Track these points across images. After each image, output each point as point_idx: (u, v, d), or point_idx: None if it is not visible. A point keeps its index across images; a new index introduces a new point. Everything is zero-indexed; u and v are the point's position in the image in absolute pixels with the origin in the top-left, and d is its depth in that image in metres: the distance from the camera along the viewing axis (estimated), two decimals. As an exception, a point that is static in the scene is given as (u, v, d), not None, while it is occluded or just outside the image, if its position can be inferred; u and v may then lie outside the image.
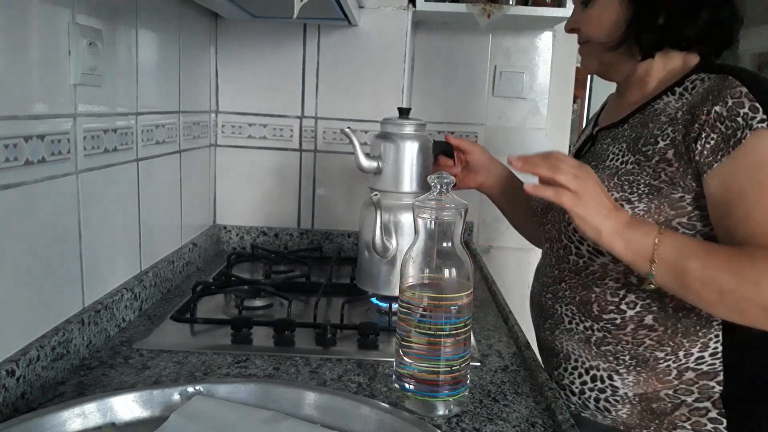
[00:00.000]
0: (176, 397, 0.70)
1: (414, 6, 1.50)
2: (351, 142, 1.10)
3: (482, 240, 1.78)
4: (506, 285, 1.52)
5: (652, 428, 0.87)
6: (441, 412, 0.75)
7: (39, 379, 0.76)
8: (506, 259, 1.78)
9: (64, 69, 0.83)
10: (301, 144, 1.57)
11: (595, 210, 0.77)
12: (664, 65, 0.91)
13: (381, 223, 1.08)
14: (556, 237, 0.97)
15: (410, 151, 1.11)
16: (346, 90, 1.54)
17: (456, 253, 0.76)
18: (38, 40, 0.77)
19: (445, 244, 0.76)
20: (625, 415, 0.89)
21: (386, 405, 0.70)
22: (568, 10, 1.50)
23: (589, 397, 0.91)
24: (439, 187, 0.77)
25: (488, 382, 0.87)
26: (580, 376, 0.92)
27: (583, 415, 0.93)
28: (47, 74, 0.79)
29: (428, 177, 0.79)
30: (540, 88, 1.73)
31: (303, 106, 1.55)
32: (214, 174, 1.57)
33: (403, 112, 1.14)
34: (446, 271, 0.76)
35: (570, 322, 0.93)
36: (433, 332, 0.74)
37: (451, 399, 0.75)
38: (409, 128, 1.12)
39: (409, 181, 1.11)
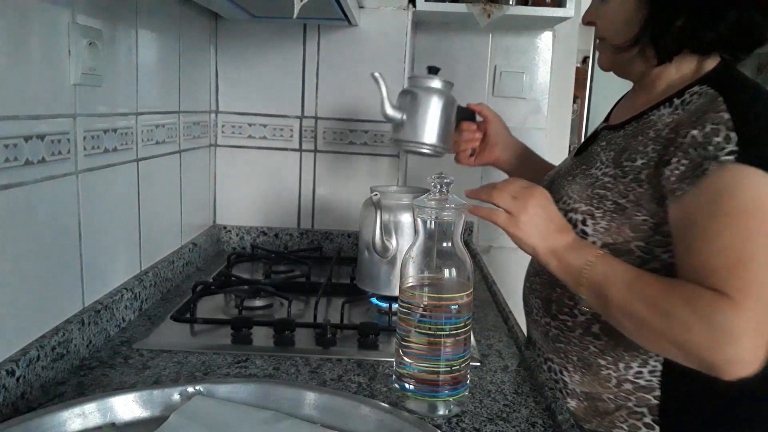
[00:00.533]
0: (176, 397, 0.70)
1: (414, 6, 1.50)
2: (378, 89, 1.10)
3: (482, 240, 1.78)
4: (506, 285, 1.51)
5: (594, 423, 0.90)
6: (441, 412, 0.75)
7: (39, 379, 0.76)
8: (506, 259, 1.78)
9: (64, 69, 0.83)
10: (301, 144, 1.57)
11: (530, 230, 0.82)
12: (678, 69, 0.86)
13: (381, 222, 1.08)
14: None
15: (435, 105, 1.12)
16: (346, 90, 1.54)
17: (456, 253, 0.76)
18: (38, 40, 0.77)
19: (445, 244, 0.76)
20: (572, 408, 0.91)
21: (386, 405, 0.70)
22: (568, 10, 1.50)
23: (547, 383, 0.92)
24: (439, 187, 0.77)
25: (488, 382, 0.87)
26: (540, 364, 0.96)
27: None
28: (47, 74, 0.79)
29: (428, 177, 0.79)
30: (540, 88, 1.73)
31: (303, 106, 1.55)
32: (214, 174, 1.57)
33: (432, 70, 1.15)
34: (446, 271, 0.76)
35: (536, 314, 0.97)
36: (433, 332, 0.74)
37: (451, 399, 0.75)
38: (435, 83, 1.13)
39: (430, 133, 1.12)
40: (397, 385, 0.78)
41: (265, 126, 1.56)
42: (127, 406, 0.68)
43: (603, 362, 0.87)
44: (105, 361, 0.87)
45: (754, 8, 0.79)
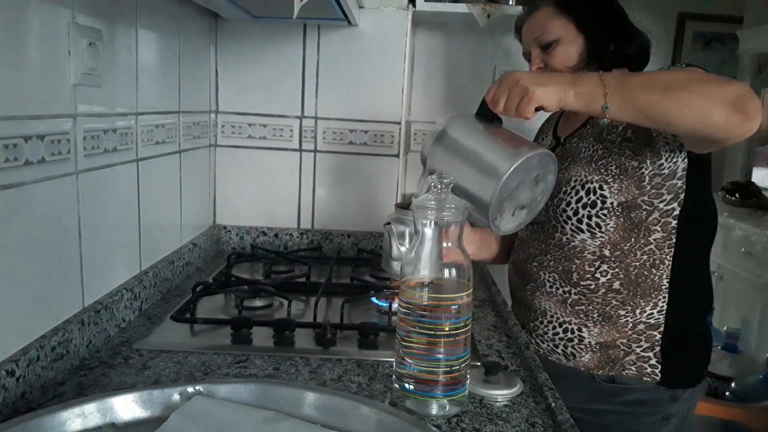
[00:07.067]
0: (176, 397, 0.70)
1: (414, 6, 1.50)
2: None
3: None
4: (506, 285, 1.51)
5: (606, 369, 1.07)
6: (440, 412, 0.75)
7: (39, 379, 0.76)
8: (506, 259, 1.78)
9: (64, 69, 0.83)
10: (301, 144, 1.57)
11: (544, 80, 0.90)
12: None
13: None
14: (546, 219, 1.12)
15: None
16: (346, 90, 1.54)
17: (456, 253, 0.76)
18: (38, 40, 0.77)
19: (445, 244, 0.76)
20: (586, 360, 1.08)
21: (386, 405, 0.70)
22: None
23: (558, 344, 1.10)
24: (439, 187, 0.77)
25: (488, 382, 0.86)
26: (554, 328, 1.11)
27: (549, 358, 1.12)
28: (47, 74, 0.79)
29: (428, 177, 0.78)
30: (540, 88, 1.73)
31: (303, 106, 1.55)
32: (214, 174, 1.57)
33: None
34: (446, 271, 0.76)
35: (551, 287, 1.11)
36: (433, 332, 0.74)
37: (451, 399, 0.75)
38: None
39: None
40: (397, 385, 0.78)
41: (264, 126, 1.56)
42: (127, 406, 0.68)
43: (623, 312, 1.06)
44: (105, 361, 0.87)
45: (641, 34, 1.12)
